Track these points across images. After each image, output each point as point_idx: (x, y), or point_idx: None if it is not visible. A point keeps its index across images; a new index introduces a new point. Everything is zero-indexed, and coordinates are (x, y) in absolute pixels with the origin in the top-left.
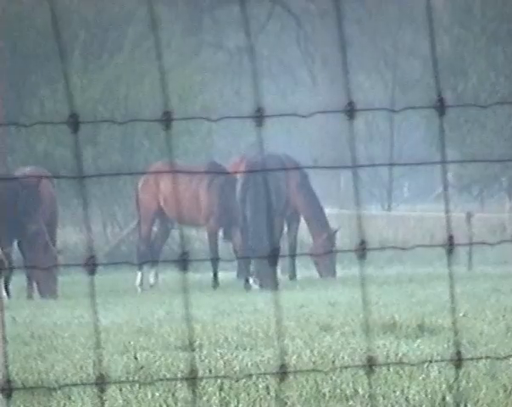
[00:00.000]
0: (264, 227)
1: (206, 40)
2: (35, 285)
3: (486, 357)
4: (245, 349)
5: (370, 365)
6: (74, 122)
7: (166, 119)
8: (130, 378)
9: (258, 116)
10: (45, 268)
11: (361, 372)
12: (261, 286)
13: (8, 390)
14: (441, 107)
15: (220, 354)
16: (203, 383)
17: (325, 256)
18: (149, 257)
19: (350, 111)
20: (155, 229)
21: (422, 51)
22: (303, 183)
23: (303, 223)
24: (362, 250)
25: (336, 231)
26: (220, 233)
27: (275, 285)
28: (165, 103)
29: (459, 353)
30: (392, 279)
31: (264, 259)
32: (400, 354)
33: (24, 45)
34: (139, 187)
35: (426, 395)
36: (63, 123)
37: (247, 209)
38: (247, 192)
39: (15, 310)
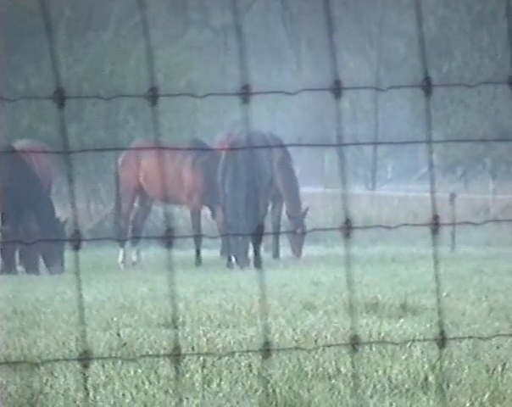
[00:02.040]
0: (244, 205)
1: (192, 18)
2: (40, 260)
3: (469, 337)
4: (228, 327)
5: (353, 343)
6: (59, 97)
7: (152, 95)
8: (113, 355)
9: (245, 93)
10: (51, 240)
11: (344, 351)
12: (237, 263)
13: None
14: (427, 86)
15: (203, 331)
16: (185, 360)
17: (294, 236)
18: (130, 234)
19: (337, 89)
20: (136, 206)
21: (407, 31)
22: (283, 162)
23: None
24: (347, 229)
25: (306, 211)
26: (208, 212)
27: (258, 263)
28: (151, 80)
29: (442, 332)
30: (375, 258)
31: (240, 237)
32: (383, 334)
33: (8, 21)
34: (119, 163)
35: (409, 375)
36: (48, 98)
37: (227, 187)
38: (228, 169)
39: None
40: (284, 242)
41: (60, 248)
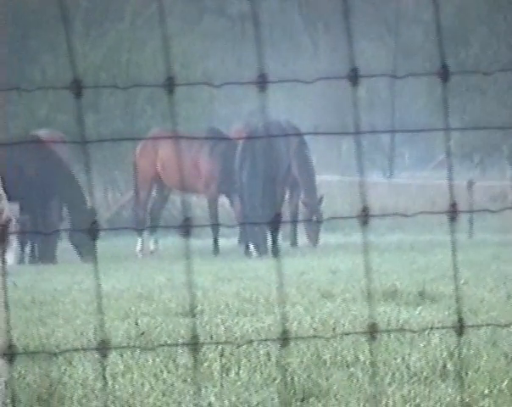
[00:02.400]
0: (261, 194)
1: (208, 6)
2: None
3: (487, 324)
4: (246, 316)
5: (372, 331)
6: (77, 87)
7: (169, 85)
8: (132, 344)
9: (262, 82)
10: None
11: (362, 339)
12: (256, 252)
13: (10, 355)
14: (444, 74)
15: (221, 320)
16: (203, 349)
17: (311, 224)
18: (148, 223)
19: (353, 77)
20: (154, 195)
21: (424, 18)
22: (299, 150)
23: None
24: (364, 217)
25: (321, 199)
26: (226, 200)
27: (275, 251)
28: (168, 69)
29: (460, 320)
30: (393, 246)
31: (259, 226)
32: (401, 321)
33: (25, 11)
34: (137, 153)
35: (427, 362)
36: (65, 88)
37: (244, 175)
38: (245, 158)
39: (16, 275)
40: (302, 230)
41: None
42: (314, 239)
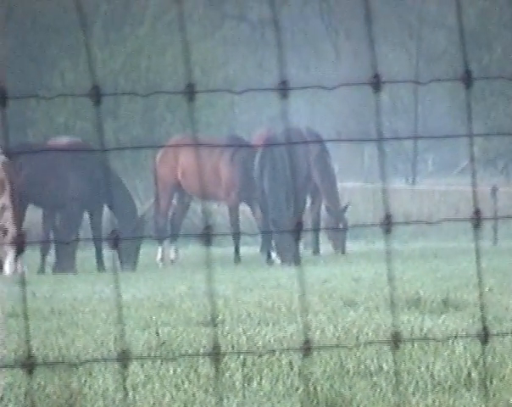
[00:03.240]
0: (284, 201)
1: (229, 12)
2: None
3: None
4: (268, 325)
5: (395, 340)
6: (96, 94)
7: (189, 92)
8: (152, 354)
9: (283, 88)
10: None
11: (386, 348)
12: (282, 261)
13: (30, 366)
14: (468, 79)
15: (243, 329)
16: (225, 359)
17: (336, 232)
18: (168, 231)
19: (376, 83)
20: (174, 203)
21: (447, 22)
22: (320, 157)
23: None
24: (387, 224)
25: (346, 207)
26: (247, 208)
27: (297, 260)
28: (188, 76)
29: (485, 328)
30: (416, 254)
31: (285, 234)
32: (425, 330)
33: (44, 17)
34: (157, 160)
35: (452, 371)
36: (84, 95)
37: (265, 183)
38: (265, 165)
39: (35, 285)
40: (324, 238)
41: (137, 245)
42: (340, 246)
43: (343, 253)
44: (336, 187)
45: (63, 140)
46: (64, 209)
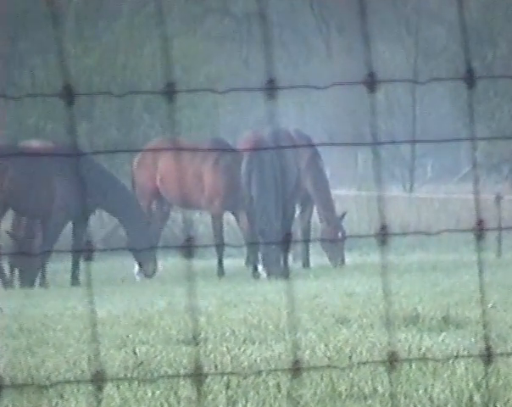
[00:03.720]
0: (273, 210)
1: (212, 5)
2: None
3: None
4: (254, 343)
5: (391, 360)
6: (68, 94)
7: (169, 92)
8: (129, 375)
9: (270, 88)
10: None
11: (381, 369)
12: (268, 274)
13: None
14: (470, 78)
15: (227, 348)
16: (208, 380)
17: (333, 243)
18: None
19: (371, 83)
20: (153, 211)
21: (447, 17)
22: (313, 162)
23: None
24: (383, 235)
25: (343, 216)
26: (231, 217)
27: (285, 273)
28: (168, 74)
29: (488, 347)
30: (414, 267)
31: (272, 245)
32: (423, 349)
33: (12, 9)
34: (134, 165)
35: (452, 394)
36: (56, 95)
37: (253, 190)
38: (253, 171)
39: (2, 301)
40: (314, 250)
41: (152, 251)
42: (339, 257)
43: (343, 264)
44: (330, 195)
45: (33, 144)
46: (49, 218)
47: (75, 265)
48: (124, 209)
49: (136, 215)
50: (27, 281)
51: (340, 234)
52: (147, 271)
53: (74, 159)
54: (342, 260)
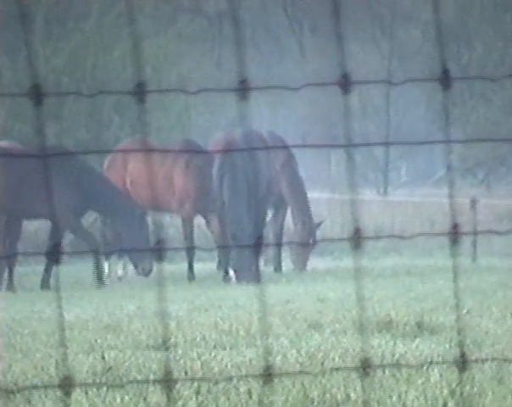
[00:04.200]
0: (245, 213)
1: (183, 5)
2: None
3: (493, 359)
4: (225, 349)
5: (364, 367)
6: (36, 94)
7: (140, 92)
8: (98, 380)
9: (243, 89)
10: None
11: (354, 375)
12: (238, 279)
13: None
14: (445, 79)
15: (197, 353)
16: (178, 386)
17: (298, 247)
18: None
19: (345, 84)
20: None
21: (422, 17)
22: (288, 164)
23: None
24: (357, 239)
25: (320, 224)
26: (202, 220)
27: (257, 278)
28: (138, 74)
29: (463, 354)
30: (388, 271)
31: (243, 250)
32: (397, 355)
33: None
34: (104, 167)
35: (426, 401)
36: (24, 95)
37: (225, 193)
38: (224, 173)
39: None
40: (286, 254)
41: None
42: (302, 263)
43: (302, 269)
44: (306, 197)
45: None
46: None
47: (48, 269)
48: (117, 208)
49: (132, 214)
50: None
51: (311, 240)
52: (144, 271)
53: (64, 160)
54: (304, 265)
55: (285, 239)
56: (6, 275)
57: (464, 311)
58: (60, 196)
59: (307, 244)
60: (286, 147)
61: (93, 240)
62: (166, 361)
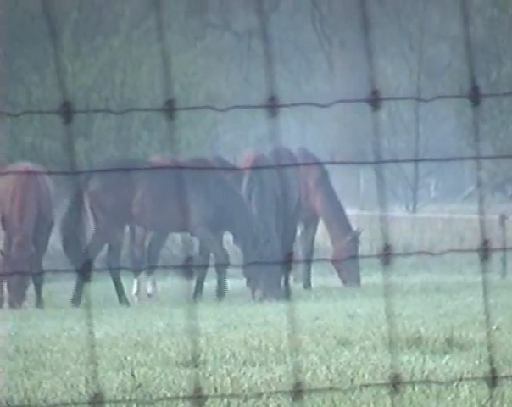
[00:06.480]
0: (274, 229)
1: (212, 21)
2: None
3: None
4: (254, 366)
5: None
6: (66, 111)
7: (169, 109)
8: (127, 397)
9: (272, 106)
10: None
11: (383, 391)
12: (265, 296)
13: None
14: (475, 96)
15: (227, 370)
16: (207, 403)
17: (349, 262)
18: (145, 263)
19: (374, 101)
20: (151, 232)
21: (451, 33)
22: (322, 181)
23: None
24: (386, 256)
25: (359, 233)
26: (230, 237)
27: (286, 294)
28: (167, 91)
29: (493, 370)
30: (417, 288)
31: (271, 267)
32: (427, 372)
33: (8, 25)
34: None
35: None
36: (54, 112)
37: (254, 210)
38: (253, 190)
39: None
40: (315, 270)
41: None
42: (356, 277)
43: (358, 284)
44: (344, 212)
45: (21, 166)
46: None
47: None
48: (245, 229)
49: (256, 237)
50: (16, 302)
51: (348, 254)
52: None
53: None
54: (358, 280)
55: (318, 256)
56: (34, 291)
57: (494, 327)
58: (199, 209)
59: (341, 259)
60: (316, 163)
61: (224, 255)
62: (196, 378)
